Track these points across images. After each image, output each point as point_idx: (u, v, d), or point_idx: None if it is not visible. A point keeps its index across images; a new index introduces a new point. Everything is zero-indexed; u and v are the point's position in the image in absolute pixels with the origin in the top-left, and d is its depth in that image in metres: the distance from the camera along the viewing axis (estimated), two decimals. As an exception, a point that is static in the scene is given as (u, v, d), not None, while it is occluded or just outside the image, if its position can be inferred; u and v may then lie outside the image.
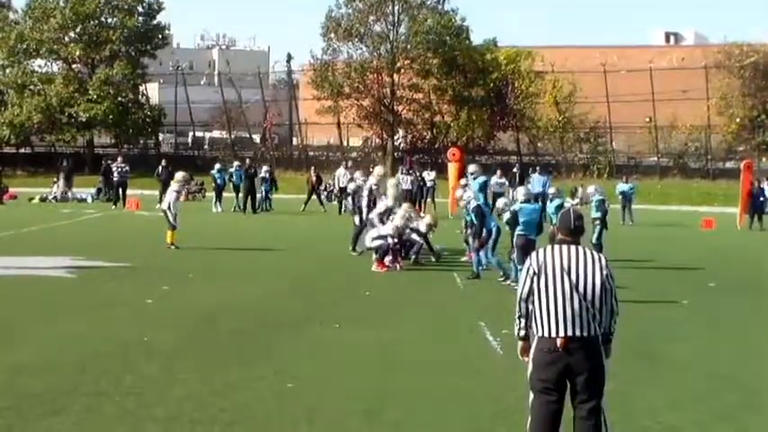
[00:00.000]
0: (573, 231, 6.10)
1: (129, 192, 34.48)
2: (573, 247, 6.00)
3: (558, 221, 6.35)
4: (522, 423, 6.20)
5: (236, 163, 34.54)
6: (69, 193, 37.19)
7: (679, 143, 49.36)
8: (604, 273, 5.92)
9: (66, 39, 52.62)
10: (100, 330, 10.96)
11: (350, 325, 11.63)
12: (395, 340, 10.81)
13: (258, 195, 32.76)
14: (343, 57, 50.97)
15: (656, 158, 49.84)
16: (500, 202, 16.72)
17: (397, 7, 49.69)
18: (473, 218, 16.37)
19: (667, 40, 75.87)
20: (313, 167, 37.29)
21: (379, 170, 20.77)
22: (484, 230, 16.03)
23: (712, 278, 16.90)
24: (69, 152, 53.90)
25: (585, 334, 5.84)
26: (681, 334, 11.74)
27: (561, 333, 5.82)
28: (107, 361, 9.29)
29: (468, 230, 17.30)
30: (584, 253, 5.99)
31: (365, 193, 19.32)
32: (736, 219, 30.99)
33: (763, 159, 46.31)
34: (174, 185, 20.78)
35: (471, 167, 22.40)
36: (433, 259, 18.46)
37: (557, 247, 6.03)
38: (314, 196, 33.61)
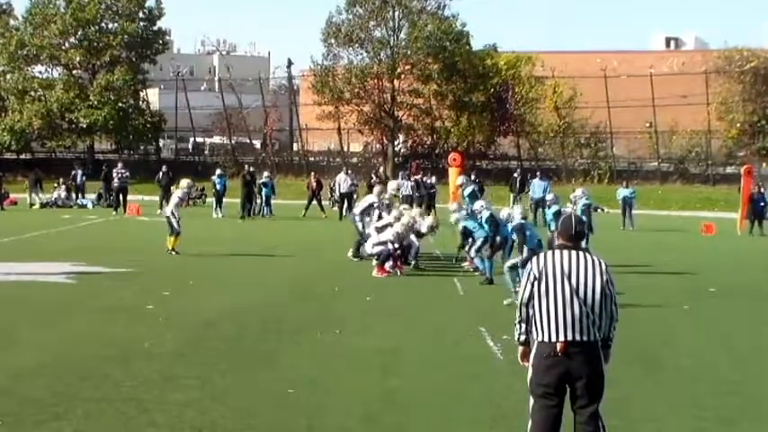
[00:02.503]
0: (574, 237, 6.11)
1: (129, 197, 34.49)
2: (573, 252, 6.01)
3: (559, 227, 6.36)
4: (523, 428, 6.20)
5: (265, 173, 34.92)
6: (37, 199, 37.12)
7: (679, 148, 49.32)
8: (605, 278, 5.93)
9: (67, 44, 52.65)
10: (100, 336, 10.97)
11: (350, 330, 11.63)
12: (395, 345, 10.81)
13: (258, 201, 32.82)
14: (344, 62, 50.95)
15: (656, 163, 49.80)
16: (504, 212, 16.74)
17: (397, 13, 49.69)
18: (487, 228, 16.36)
19: (668, 45, 75.83)
20: (313, 173, 37.26)
21: (393, 185, 21.36)
22: (498, 238, 16.01)
23: (713, 283, 16.89)
24: (70, 158, 53.99)
25: (585, 339, 5.85)
26: (681, 339, 11.73)
27: (561, 337, 5.83)
28: (108, 366, 9.30)
29: (468, 240, 17.29)
30: (585, 258, 6.00)
31: (377, 205, 19.57)
32: (737, 224, 30.98)
33: (764, 164, 46.23)
34: (177, 192, 20.87)
35: (459, 179, 22.94)
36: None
37: (557, 252, 6.04)
38: (314, 202, 33.64)
